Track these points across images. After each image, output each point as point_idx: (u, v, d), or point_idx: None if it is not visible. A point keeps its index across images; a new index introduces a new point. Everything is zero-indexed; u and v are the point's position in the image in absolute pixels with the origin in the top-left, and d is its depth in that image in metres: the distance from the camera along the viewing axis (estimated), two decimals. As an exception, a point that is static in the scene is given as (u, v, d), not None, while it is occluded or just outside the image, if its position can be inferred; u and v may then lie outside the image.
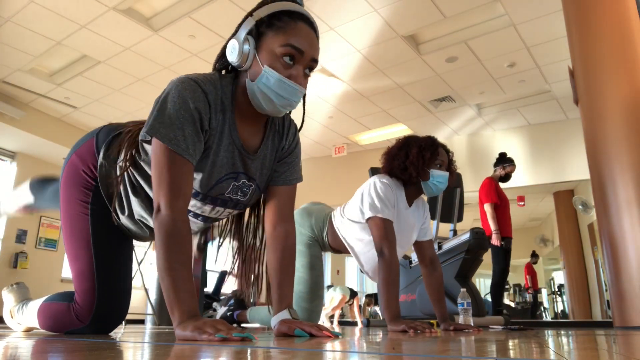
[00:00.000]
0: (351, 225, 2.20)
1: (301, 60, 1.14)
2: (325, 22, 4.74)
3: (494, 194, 4.48)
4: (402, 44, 5.13)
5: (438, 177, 2.10)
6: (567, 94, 5.35)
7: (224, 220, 1.45)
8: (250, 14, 1.17)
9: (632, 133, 2.97)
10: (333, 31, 4.91)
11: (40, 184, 1.70)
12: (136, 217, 1.35)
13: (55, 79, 5.80)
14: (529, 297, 9.90)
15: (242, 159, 1.25)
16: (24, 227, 6.80)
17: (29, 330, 1.64)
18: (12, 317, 1.67)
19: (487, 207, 4.44)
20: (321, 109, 6.70)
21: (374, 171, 3.31)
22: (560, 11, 3.83)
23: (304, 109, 1.31)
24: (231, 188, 1.27)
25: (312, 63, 1.17)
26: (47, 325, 1.41)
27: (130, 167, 1.29)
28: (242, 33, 1.16)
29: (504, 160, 4.68)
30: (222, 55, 1.23)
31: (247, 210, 1.46)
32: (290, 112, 1.37)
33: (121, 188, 1.33)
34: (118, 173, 1.31)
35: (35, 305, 1.48)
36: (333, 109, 6.75)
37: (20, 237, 6.74)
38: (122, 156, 1.30)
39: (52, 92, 6.04)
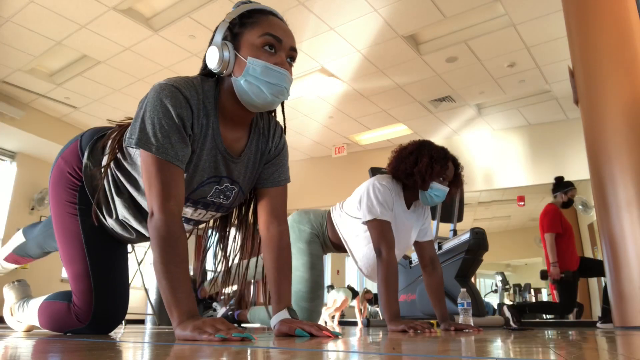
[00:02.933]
0: (349, 219, 2.21)
1: (281, 48, 1.17)
2: (325, 22, 4.74)
3: (558, 224, 4.14)
4: (402, 44, 5.13)
5: (437, 191, 2.09)
6: (567, 94, 5.35)
7: (210, 222, 1.46)
8: (223, 20, 1.19)
9: (632, 133, 2.97)
10: (333, 31, 4.90)
11: (31, 226, 1.78)
12: (120, 217, 1.35)
13: (55, 79, 5.80)
14: (529, 297, 9.88)
15: (225, 163, 1.25)
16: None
17: (29, 330, 1.65)
18: (12, 315, 1.67)
19: (548, 237, 4.09)
20: (321, 109, 6.70)
21: (374, 171, 3.31)
22: (560, 11, 3.83)
23: (283, 114, 1.34)
24: (214, 191, 1.28)
25: (292, 52, 1.20)
26: (47, 324, 1.42)
27: (115, 169, 1.29)
28: (218, 38, 1.17)
29: (563, 185, 4.33)
30: (206, 64, 1.22)
31: (235, 213, 1.46)
32: (275, 115, 1.38)
33: (107, 190, 1.32)
34: (102, 170, 1.31)
35: (36, 303, 1.48)
36: (333, 109, 6.74)
37: (20, 237, 6.72)
38: (106, 151, 1.30)
39: (52, 92, 6.03)
